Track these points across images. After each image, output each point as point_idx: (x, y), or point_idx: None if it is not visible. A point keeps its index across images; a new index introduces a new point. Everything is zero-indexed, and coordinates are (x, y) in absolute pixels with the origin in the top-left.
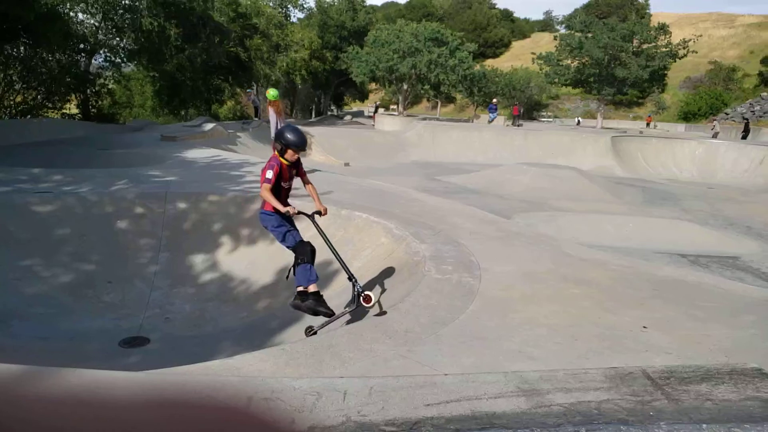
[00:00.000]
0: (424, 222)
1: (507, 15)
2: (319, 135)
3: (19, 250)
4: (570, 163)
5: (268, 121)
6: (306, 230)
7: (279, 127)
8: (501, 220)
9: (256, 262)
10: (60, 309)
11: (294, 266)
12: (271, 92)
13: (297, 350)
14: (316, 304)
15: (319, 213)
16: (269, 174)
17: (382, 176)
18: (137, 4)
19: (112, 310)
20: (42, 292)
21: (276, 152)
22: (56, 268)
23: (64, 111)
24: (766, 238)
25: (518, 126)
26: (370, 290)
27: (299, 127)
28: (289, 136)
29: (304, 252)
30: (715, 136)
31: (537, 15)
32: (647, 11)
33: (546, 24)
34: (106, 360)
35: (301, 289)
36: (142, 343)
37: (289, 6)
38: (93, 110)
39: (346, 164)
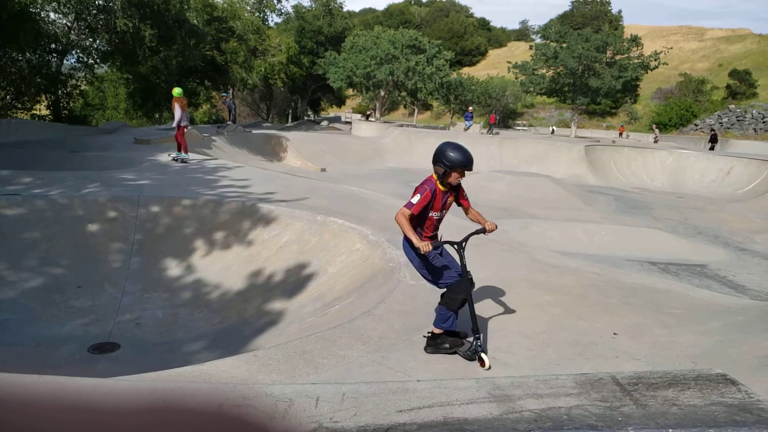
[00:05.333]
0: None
1: (484, 24)
2: (295, 140)
3: None
4: (544, 171)
5: (243, 125)
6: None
7: (182, 120)
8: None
9: (230, 267)
10: (27, 314)
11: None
12: (176, 90)
13: (270, 356)
14: (436, 345)
15: (483, 231)
16: (415, 199)
17: (359, 182)
18: (111, 4)
19: (82, 316)
20: (8, 297)
21: (434, 176)
22: (24, 272)
23: (34, 112)
24: (732, 246)
25: (494, 134)
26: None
27: (461, 144)
28: (453, 154)
29: (454, 298)
30: (656, 141)
31: (513, 24)
32: (620, 23)
33: (522, 33)
34: (75, 366)
35: (435, 331)
36: (112, 349)
37: (266, 10)
38: (64, 112)
39: (323, 170)
